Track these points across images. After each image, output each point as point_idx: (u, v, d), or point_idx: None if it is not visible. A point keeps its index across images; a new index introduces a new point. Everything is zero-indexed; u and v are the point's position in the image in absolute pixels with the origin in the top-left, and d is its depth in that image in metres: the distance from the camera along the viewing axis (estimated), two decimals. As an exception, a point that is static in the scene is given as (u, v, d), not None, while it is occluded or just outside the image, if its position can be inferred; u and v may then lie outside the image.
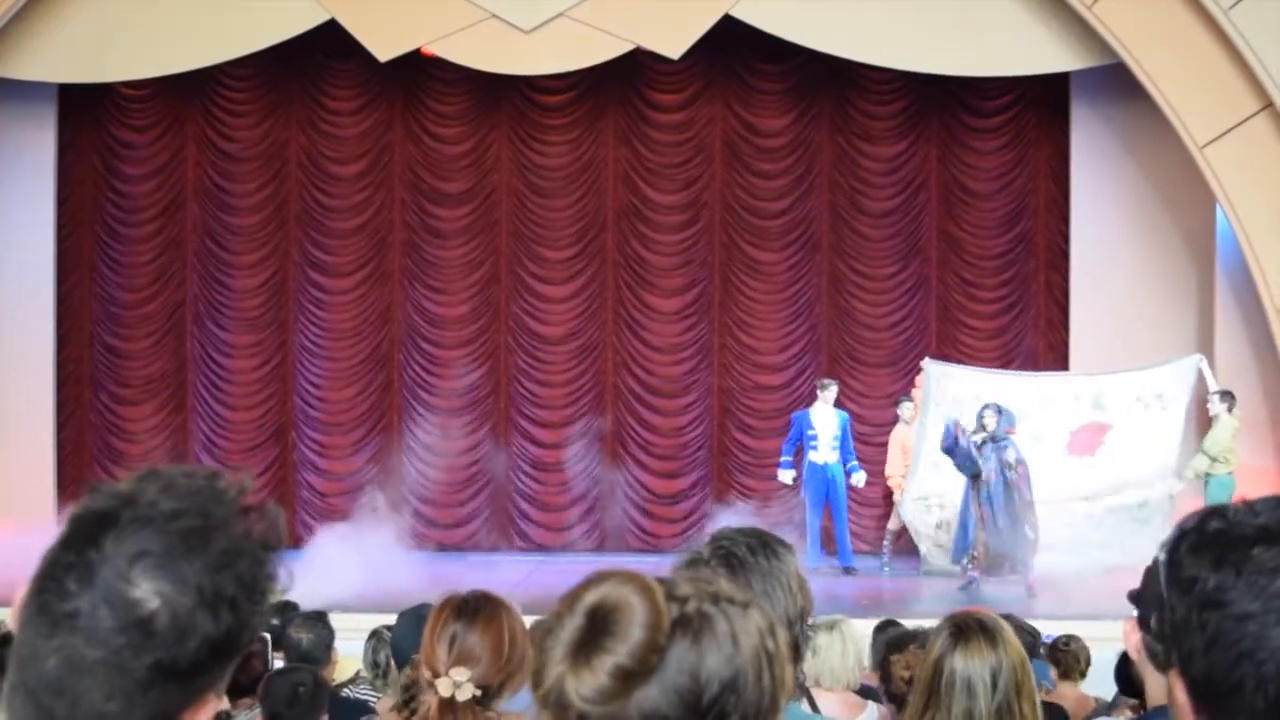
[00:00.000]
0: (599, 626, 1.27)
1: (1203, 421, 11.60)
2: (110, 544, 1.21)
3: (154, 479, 1.26)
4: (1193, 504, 10.70)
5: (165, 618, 1.20)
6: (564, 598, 1.31)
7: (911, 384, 13.06)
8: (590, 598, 1.28)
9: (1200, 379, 11.56)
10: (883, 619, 6.95)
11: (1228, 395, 11.46)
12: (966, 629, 2.99)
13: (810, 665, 4.03)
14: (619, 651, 1.25)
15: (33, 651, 1.23)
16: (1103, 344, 13.03)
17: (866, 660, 5.85)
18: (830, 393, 12.47)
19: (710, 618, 1.28)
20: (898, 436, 12.67)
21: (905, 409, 12.61)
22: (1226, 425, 11.36)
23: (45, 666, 1.21)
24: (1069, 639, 6.40)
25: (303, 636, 5.51)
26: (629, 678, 1.24)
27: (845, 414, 12.58)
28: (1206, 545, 1.36)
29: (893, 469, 12.64)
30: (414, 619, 3.21)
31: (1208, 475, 11.28)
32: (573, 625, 1.28)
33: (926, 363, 12.26)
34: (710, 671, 1.26)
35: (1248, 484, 10.75)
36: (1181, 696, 1.38)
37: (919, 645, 4.17)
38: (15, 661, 1.25)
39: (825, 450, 12.32)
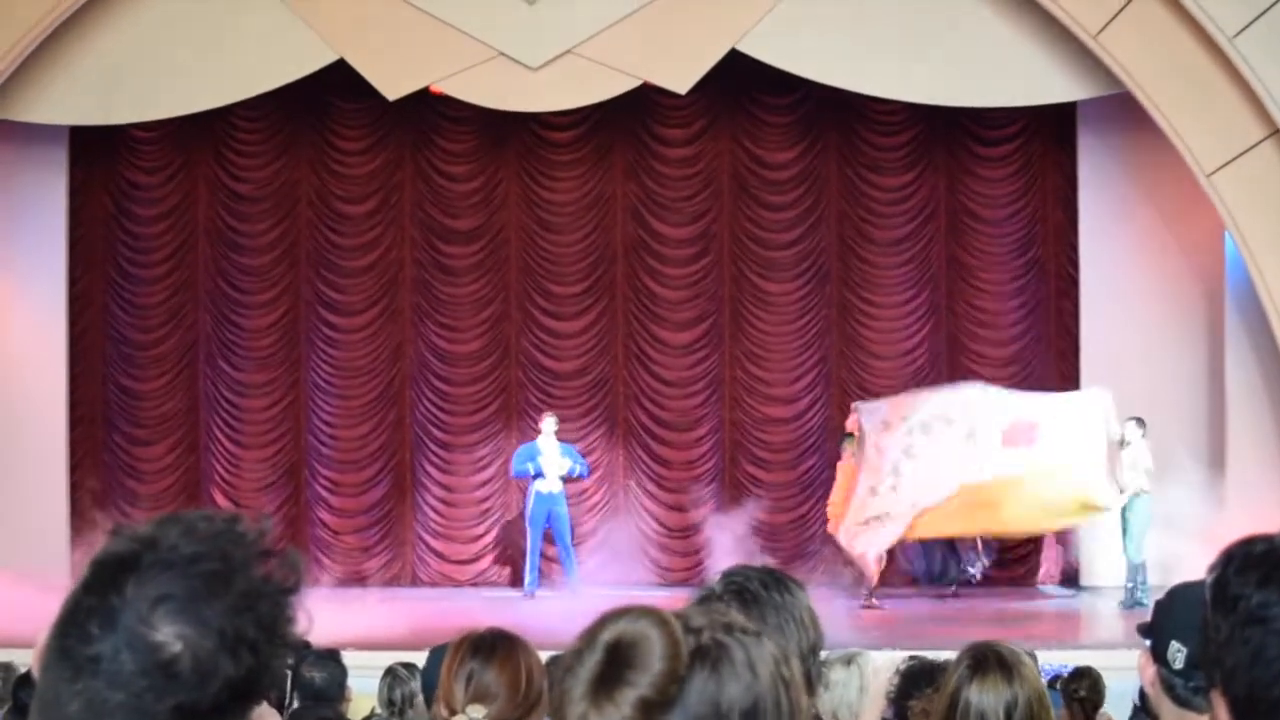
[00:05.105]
0: (619, 661, 1.28)
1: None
2: (132, 588, 1.22)
3: (174, 523, 1.27)
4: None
5: (187, 661, 1.20)
6: (581, 635, 1.32)
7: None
8: (608, 634, 1.30)
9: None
10: (905, 655, 6.89)
11: (1141, 421, 11.93)
12: (984, 661, 2.99)
13: (825, 700, 4.02)
14: (640, 684, 1.26)
15: (55, 695, 1.23)
16: (1114, 372, 13.01)
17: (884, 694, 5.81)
18: (551, 425, 13.02)
19: (727, 647, 1.30)
20: (845, 469, 12.75)
21: (849, 444, 12.70)
22: (1144, 444, 11.87)
23: (68, 710, 1.22)
24: (1096, 677, 6.35)
25: (315, 675, 5.50)
26: (651, 709, 1.26)
27: (566, 445, 13.12)
28: (1253, 565, 1.39)
29: (834, 498, 12.72)
30: (443, 656, 3.22)
31: (1137, 495, 11.83)
32: (591, 661, 1.29)
33: (857, 405, 12.46)
34: (730, 700, 1.28)
35: (1258, 512, 10.69)
36: (1224, 717, 1.40)
37: (934, 689, 4.15)
38: (38, 705, 1.26)
39: (552, 480, 12.92)
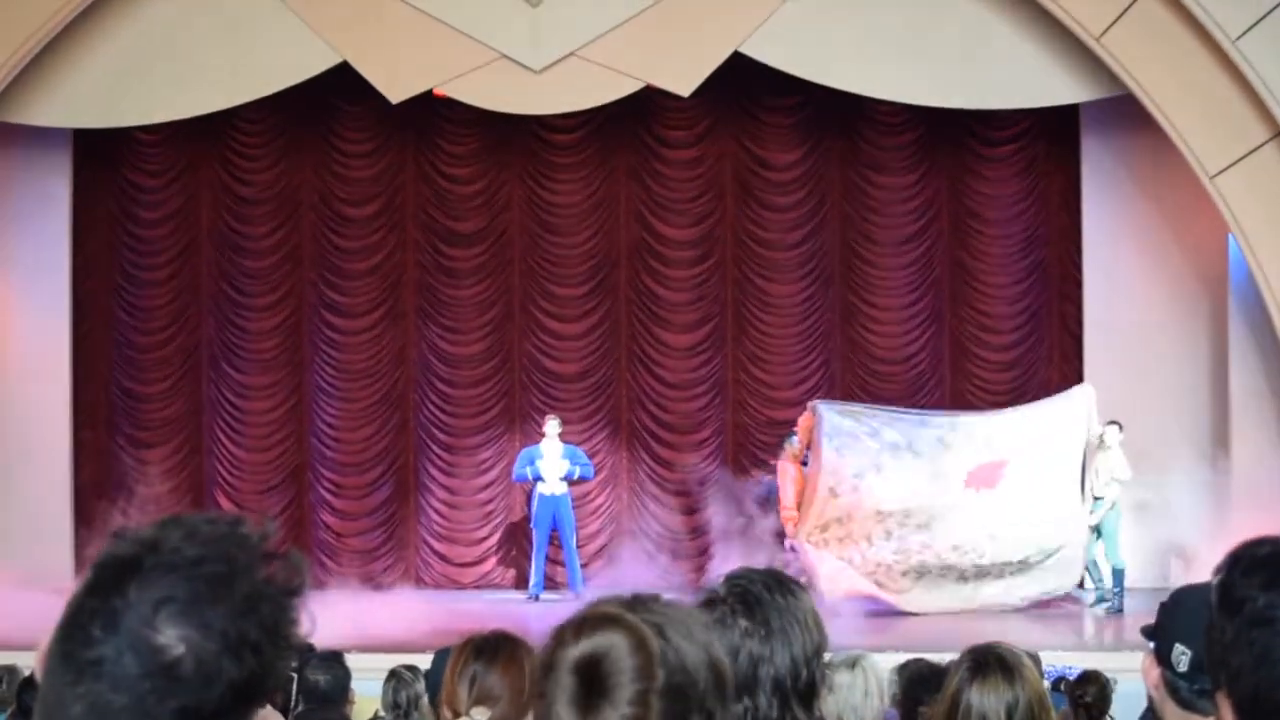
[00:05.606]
0: (596, 674, 1.33)
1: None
2: (134, 590, 1.22)
3: (176, 525, 1.27)
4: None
5: (190, 663, 1.20)
6: (542, 667, 1.38)
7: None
8: (572, 654, 1.35)
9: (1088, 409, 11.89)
10: (906, 659, 6.88)
11: (1116, 422, 11.87)
12: (985, 664, 3.00)
13: (830, 703, 4.01)
14: (627, 683, 1.32)
15: (58, 698, 1.23)
16: (1116, 376, 13.01)
17: (886, 696, 5.81)
18: (554, 427, 13.05)
19: (658, 621, 1.39)
20: (787, 472, 12.62)
21: (793, 443, 12.57)
22: (1120, 451, 11.77)
23: (71, 713, 1.22)
24: (1105, 682, 6.34)
25: (320, 678, 5.49)
26: (647, 699, 1.32)
27: (571, 446, 13.14)
28: (1259, 567, 1.40)
29: (787, 503, 12.61)
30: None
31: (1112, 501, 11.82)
32: (567, 685, 1.35)
33: (815, 404, 12.31)
34: (694, 661, 1.37)
35: (1263, 513, 10.70)
36: (1229, 717, 1.40)
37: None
38: (41, 708, 1.26)
39: (553, 482, 12.91)
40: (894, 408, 12.71)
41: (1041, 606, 11.98)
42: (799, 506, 12.22)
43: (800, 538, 11.92)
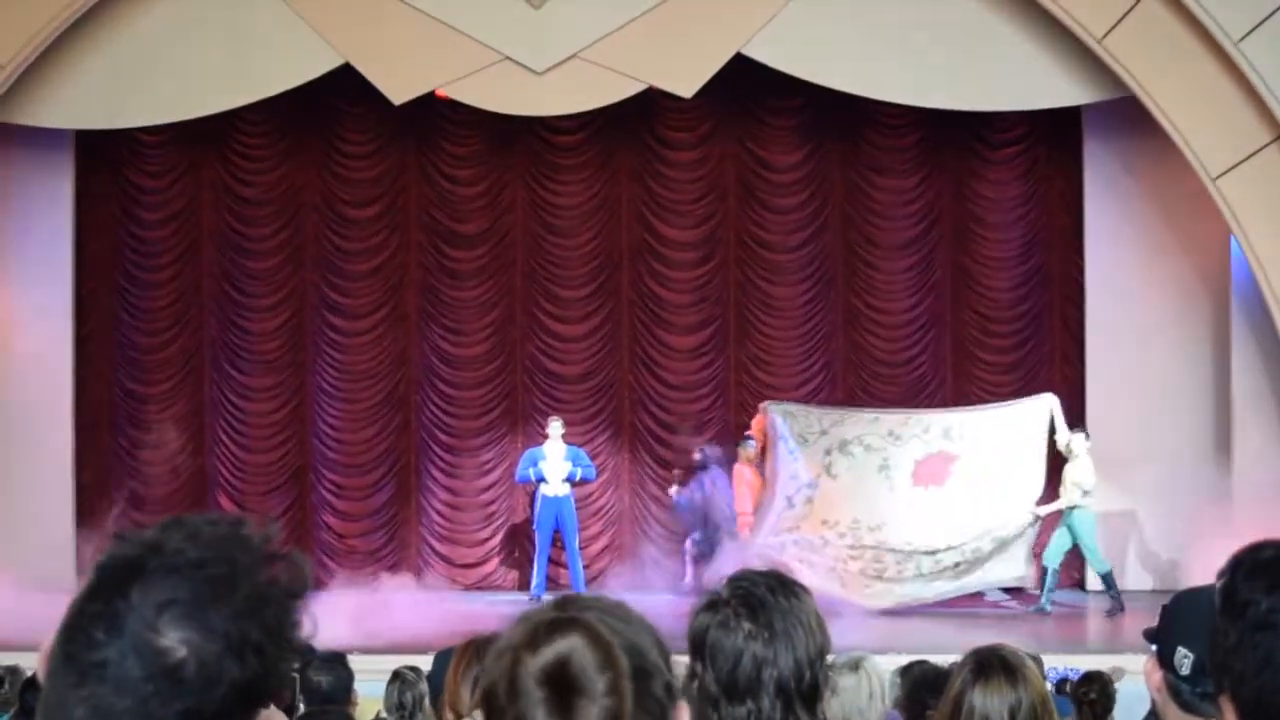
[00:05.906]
0: (565, 678, 1.37)
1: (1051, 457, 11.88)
2: (137, 593, 1.22)
3: (178, 527, 1.27)
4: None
5: (193, 666, 1.20)
6: (506, 688, 1.40)
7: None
8: (536, 666, 1.38)
9: (1051, 418, 11.90)
10: (908, 661, 6.88)
11: (1083, 430, 11.94)
12: (988, 665, 3.00)
13: (834, 706, 4.01)
14: (599, 676, 1.36)
15: (61, 701, 1.23)
16: (1118, 378, 13.01)
17: (889, 698, 5.81)
18: (557, 428, 13.09)
19: (600, 614, 1.43)
20: (743, 476, 12.60)
21: (749, 447, 12.53)
22: (1088, 460, 11.76)
23: (74, 715, 1.22)
24: (1106, 681, 6.34)
25: (322, 679, 5.49)
26: (620, 687, 1.37)
27: (574, 447, 13.17)
28: (1262, 570, 1.41)
29: (744, 507, 12.58)
30: (449, 659, 3.22)
31: (1072, 509, 11.75)
32: (540, 695, 1.37)
33: (766, 405, 12.37)
34: (642, 642, 1.42)
35: (1266, 516, 10.68)
36: None
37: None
38: (43, 711, 1.26)
39: (556, 483, 12.92)
40: (847, 407, 12.77)
41: (1000, 606, 12.06)
42: (755, 510, 12.26)
43: (758, 541, 11.94)
